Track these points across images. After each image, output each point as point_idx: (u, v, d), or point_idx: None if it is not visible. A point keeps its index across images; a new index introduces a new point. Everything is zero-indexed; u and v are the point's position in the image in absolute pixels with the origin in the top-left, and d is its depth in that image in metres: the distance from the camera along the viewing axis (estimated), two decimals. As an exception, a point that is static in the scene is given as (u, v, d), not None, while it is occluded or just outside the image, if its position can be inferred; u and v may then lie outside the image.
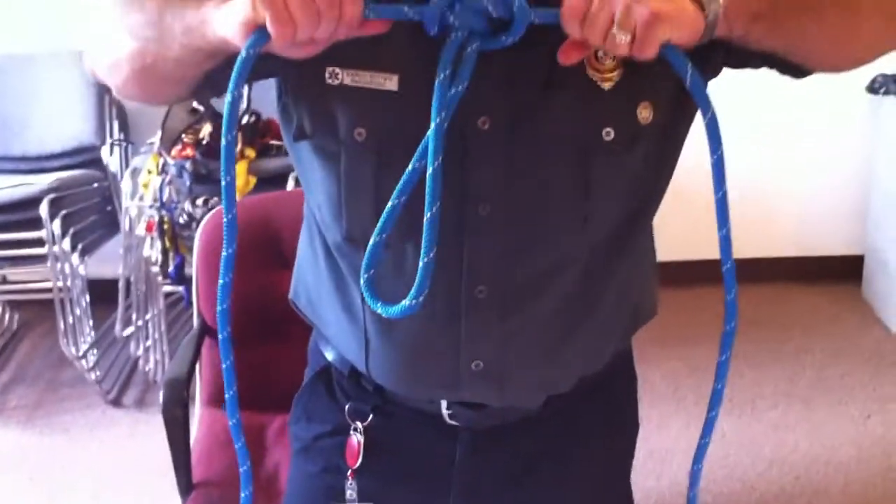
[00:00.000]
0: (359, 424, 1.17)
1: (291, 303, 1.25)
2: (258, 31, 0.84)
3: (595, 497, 1.23)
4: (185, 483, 1.67)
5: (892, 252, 3.15)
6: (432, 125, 0.87)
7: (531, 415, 1.14)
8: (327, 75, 0.95)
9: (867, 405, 2.73)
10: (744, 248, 3.32)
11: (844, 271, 3.43)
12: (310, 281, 1.17)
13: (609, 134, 0.95)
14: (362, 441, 1.16)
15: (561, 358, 1.09)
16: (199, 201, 2.38)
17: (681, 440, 2.56)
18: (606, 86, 0.94)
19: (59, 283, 2.71)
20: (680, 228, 3.23)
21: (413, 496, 1.19)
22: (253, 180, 2.38)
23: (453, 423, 1.13)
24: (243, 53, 0.85)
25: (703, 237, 3.21)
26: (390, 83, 0.94)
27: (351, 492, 1.17)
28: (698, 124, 0.94)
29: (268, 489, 1.72)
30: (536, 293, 1.03)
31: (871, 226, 3.32)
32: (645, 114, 0.96)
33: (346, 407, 1.18)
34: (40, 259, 2.71)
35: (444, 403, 1.12)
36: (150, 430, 2.72)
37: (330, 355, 1.20)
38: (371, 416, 1.17)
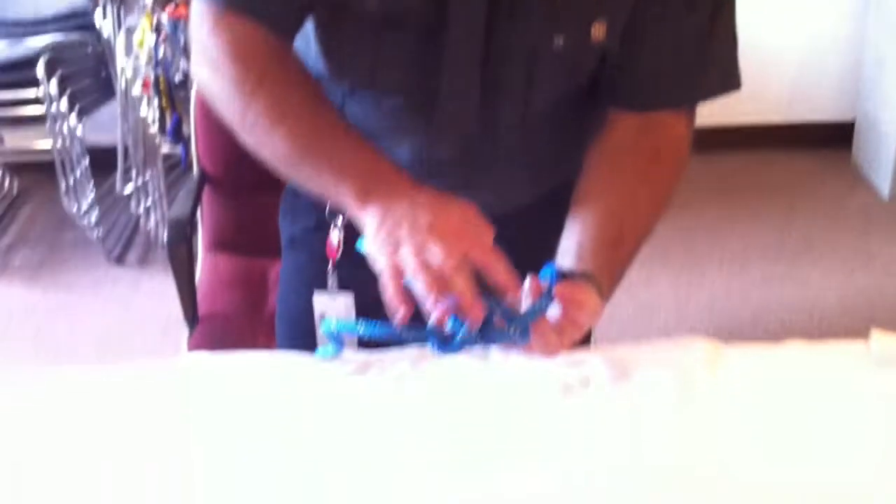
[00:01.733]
0: (338, 220, 1.24)
1: None
2: None
3: None
4: (192, 315, 1.73)
5: (882, 116, 3.18)
6: None
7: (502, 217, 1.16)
8: None
9: (852, 260, 2.81)
10: (734, 115, 3.37)
11: (835, 137, 3.46)
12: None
13: (559, 41, 1.05)
14: (341, 237, 1.24)
15: (516, 180, 1.21)
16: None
17: (668, 295, 2.64)
18: None
19: (59, 145, 2.73)
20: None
21: None
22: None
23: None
24: None
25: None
26: None
27: (332, 281, 1.26)
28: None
29: (269, 329, 1.79)
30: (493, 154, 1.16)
31: (862, 90, 3.34)
32: (598, 32, 1.05)
33: (326, 207, 1.24)
34: (38, 120, 2.73)
35: None
36: (153, 288, 2.79)
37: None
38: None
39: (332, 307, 1.26)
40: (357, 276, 1.19)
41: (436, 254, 0.88)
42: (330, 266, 1.26)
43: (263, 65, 1.02)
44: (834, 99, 3.45)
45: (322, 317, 1.27)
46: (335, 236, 1.25)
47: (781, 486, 0.93)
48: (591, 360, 1.10)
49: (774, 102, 3.46)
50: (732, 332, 2.49)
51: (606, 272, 1.02)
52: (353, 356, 1.12)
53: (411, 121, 1.14)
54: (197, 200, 1.87)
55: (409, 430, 1.02)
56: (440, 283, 0.87)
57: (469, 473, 0.94)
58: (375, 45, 1.09)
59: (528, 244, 1.18)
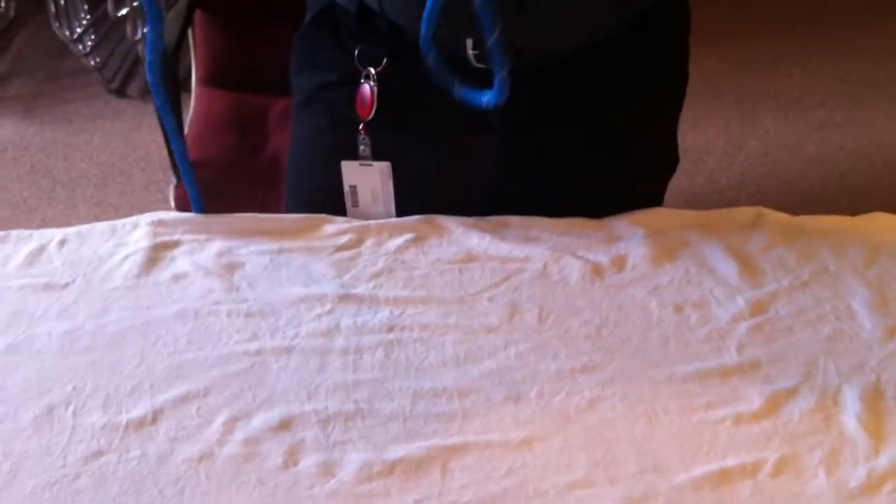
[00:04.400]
0: (371, 71, 1.02)
1: None
2: None
3: (641, 148, 1.11)
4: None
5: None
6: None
7: (571, 55, 1.00)
8: None
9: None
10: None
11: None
12: None
13: None
14: (376, 90, 1.02)
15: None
16: None
17: (718, 139, 2.40)
18: None
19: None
20: None
21: (437, 157, 1.07)
22: None
23: (481, 65, 0.97)
24: None
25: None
26: None
27: (364, 147, 1.05)
28: None
29: (268, 175, 1.61)
30: None
31: None
32: None
33: (356, 51, 1.02)
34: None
35: (469, 43, 0.97)
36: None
37: None
38: (385, 60, 1.02)
39: (365, 178, 1.05)
40: (393, 140, 1.03)
41: None
42: (361, 128, 1.04)
43: None
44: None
45: (352, 190, 1.07)
46: (368, 87, 1.03)
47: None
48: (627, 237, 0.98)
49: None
50: (785, 182, 2.26)
51: None
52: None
53: None
54: (185, 26, 1.64)
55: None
56: None
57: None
58: None
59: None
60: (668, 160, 1.17)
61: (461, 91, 0.89)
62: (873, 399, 0.82)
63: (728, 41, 2.82)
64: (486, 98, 0.87)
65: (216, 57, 1.73)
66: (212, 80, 1.73)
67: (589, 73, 1.03)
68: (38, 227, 1.09)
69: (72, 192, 2.35)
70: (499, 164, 1.06)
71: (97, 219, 1.09)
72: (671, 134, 1.16)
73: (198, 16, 1.68)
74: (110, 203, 2.31)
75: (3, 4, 3.13)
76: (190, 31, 1.70)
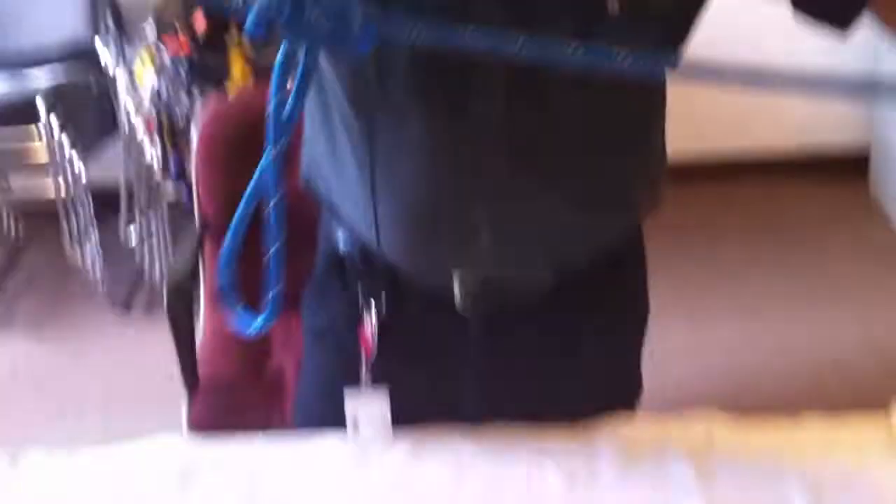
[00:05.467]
0: (373, 307, 1.13)
1: (302, 182, 1.20)
2: None
3: (607, 380, 1.23)
4: (190, 381, 1.64)
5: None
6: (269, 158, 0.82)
7: (543, 296, 1.12)
8: None
9: (871, 301, 2.69)
10: (748, 144, 3.25)
11: (851, 167, 3.30)
12: (319, 151, 1.14)
13: (614, 6, 0.93)
14: (376, 327, 1.13)
15: (567, 228, 1.08)
16: (196, 92, 2.31)
17: (680, 341, 2.49)
18: None
19: (61, 187, 2.67)
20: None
21: (428, 380, 1.18)
22: (249, 71, 2.30)
23: (466, 314, 1.11)
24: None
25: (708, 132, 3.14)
26: None
27: (366, 376, 1.15)
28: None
29: (272, 391, 1.68)
30: (545, 151, 1.02)
31: (877, 118, 3.16)
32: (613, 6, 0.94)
33: (360, 288, 1.14)
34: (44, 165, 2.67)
35: (456, 284, 1.09)
36: (159, 337, 2.65)
37: (341, 240, 1.18)
38: (384, 294, 1.13)
39: (366, 408, 1.15)
40: (393, 371, 1.13)
41: None
42: (364, 359, 1.14)
43: None
44: (848, 125, 3.30)
45: (354, 420, 1.15)
46: (370, 326, 1.14)
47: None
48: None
49: (787, 127, 3.31)
50: (748, 379, 2.39)
51: None
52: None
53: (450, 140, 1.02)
54: (197, 252, 1.76)
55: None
56: None
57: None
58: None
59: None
60: (634, 388, 1.30)
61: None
62: None
63: (692, 244, 2.98)
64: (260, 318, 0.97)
65: (224, 278, 1.84)
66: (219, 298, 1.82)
67: (553, 317, 1.14)
68: (47, 448, 1.16)
69: (80, 410, 2.40)
70: (479, 391, 1.18)
71: (106, 437, 1.17)
72: (636, 365, 1.29)
73: (207, 241, 1.80)
74: (118, 423, 2.35)
75: (12, 227, 3.30)
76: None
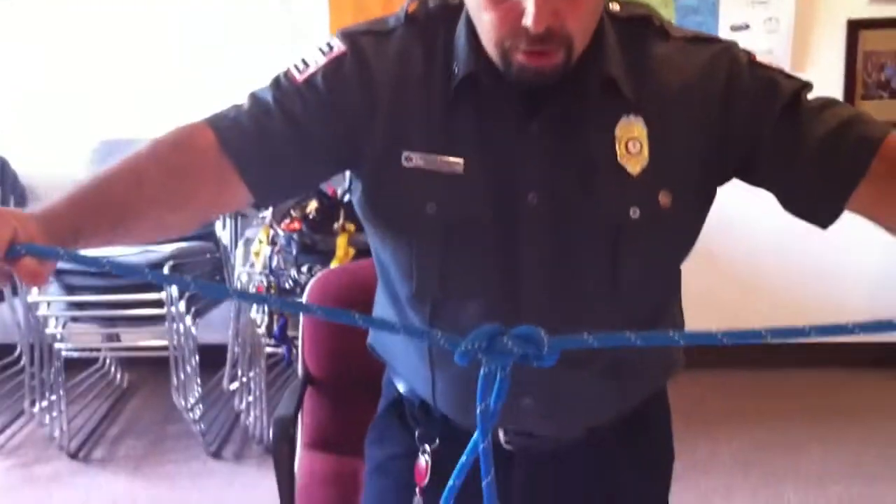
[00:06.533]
0: (427, 447, 1.29)
1: (369, 347, 1.39)
2: None
3: None
4: (290, 511, 1.86)
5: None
6: (480, 446, 0.91)
7: (577, 443, 1.27)
8: (403, 159, 1.14)
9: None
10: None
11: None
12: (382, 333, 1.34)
13: (636, 213, 1.13)
14: (430, 462, 1.28)
15: (601, 395, 1.24)
16: (304, 268, 2.62)
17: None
18: (635, 170, 1.13)
19: (175, 342, 2.96)
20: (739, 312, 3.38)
21: None
22: (352, 251, 2.61)
23: (509, 447, 1.26)
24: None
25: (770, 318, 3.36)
26: (457, 167, 1.13)
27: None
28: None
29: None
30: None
31: None
32: (665, 200, 1.14)
33: (417, 433, 1.31)
34: (157, 319, 2.98)
35: (501, 432, 1.26)
36: (247, 482, 2.93)
37: (402, 388, 1.34)
38: (438, 440, 1.29)
39: None
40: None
41: None
42: (418, 491, 1.28)
43: (168, 144, 1.11)
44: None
45: None
46: (424, 461, 1.28)
47: None
48: None
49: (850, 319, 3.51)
50: None
51: None
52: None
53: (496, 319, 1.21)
54: (300, 401, 2.02)
55: None
56: None
57: None
58: (443, 252, 1.16)
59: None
60: None
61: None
62: None
63: (755, 423, 3.20)
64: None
65: (320, 424, 2.10)
66: (314, 444, 2.09)
67: (589, 460, 1.28)
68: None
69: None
70: None
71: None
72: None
73: (308, 392, 2.07)
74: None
75: (118, 377, 3.63)
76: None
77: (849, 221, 1.14)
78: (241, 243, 2.91)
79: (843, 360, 3.54)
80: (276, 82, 1.18)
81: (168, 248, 3.02)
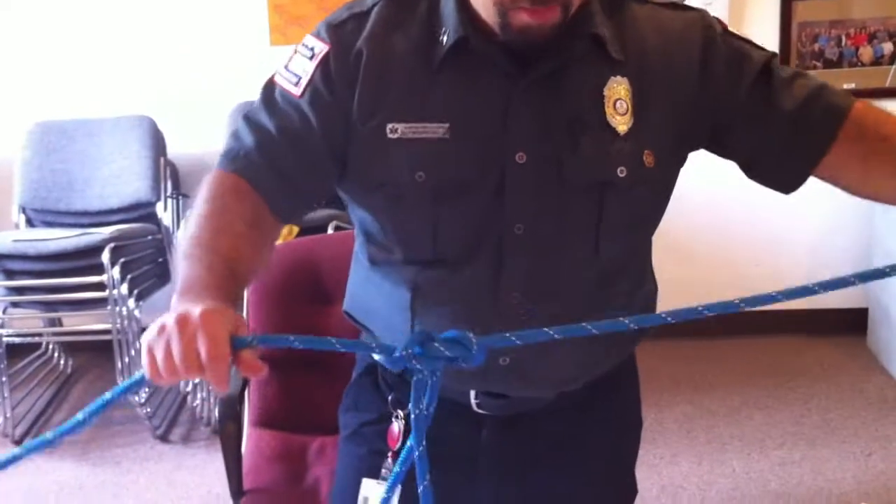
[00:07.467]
0: (400, 413, 1.31)
1: (345, 314, 1.40)
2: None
3: (605, 483, 1.37)
4: (237, 489, 1.86)
5: (894, 306, 3.32)
6: (416, 452, 0.98)
7: (547, 405, 1.29)
8: (388, 131, 1.16)
9: (869, 444, 2.89)
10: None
11: (850, 323, 3.62)
12: (363, 294, 1.34)
13: (623, 171, 1.15)
14: (402, 427, 1.30)
15: (579, 359, 1.26)
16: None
17: (691, 476, 2.73)
18: (622, 129, 1.16)
19: (118, 326, 2.94)
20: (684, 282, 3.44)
21: (445, 476, 1.24)
22: (296, 229, 2.60)
23: (480, 411, 1.29)
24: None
25: (713, 290, 3.44)
26: (443, 132, 1.15)
27: (385, 471, 1.31)
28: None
29: (308, 500, 1.90)
30: (560, 299, 1.19)
31: (872, 284, 3.47)
32: (649, 160, 1.17)
33: (389, 398, 1.32)
34: (99, 303, 2.95)
35: (472, 394, 1.28)
36: (196, 464, 2.92)
37: (376, 354, 1.36)
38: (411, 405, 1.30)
39: (377, 493, 1.30)
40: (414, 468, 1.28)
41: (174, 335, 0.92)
42: (389, 455, 1.29)
43: (222, 193, 1.15)
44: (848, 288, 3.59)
45: (365, 500, 1.31)
46: (397, 426, 1.30)
47: None
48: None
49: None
50: None
51: None
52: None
53: (477, 291, 1.19)
54: (246, 379, 2.02)
55: None
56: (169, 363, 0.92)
57: None
58: (434, 217, 1.17)
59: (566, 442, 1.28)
60: (629, 492, 1.43)
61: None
62: None
63: (698, 390, 3.26)
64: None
65: (266, 403, 2.10)
66: (261, 421, 2.09)
67: (558, 421, 1.30)
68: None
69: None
70: (493, 486, 1.32)
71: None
72: (631, 470, 1.43)
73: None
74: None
75: (62, 363, 3.59)
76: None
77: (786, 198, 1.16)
78: (182, 224, 2.87)
79: (783, 328, 3.65)
80: (270, 101, 1.20)
81: (108, 231, 2.98)
